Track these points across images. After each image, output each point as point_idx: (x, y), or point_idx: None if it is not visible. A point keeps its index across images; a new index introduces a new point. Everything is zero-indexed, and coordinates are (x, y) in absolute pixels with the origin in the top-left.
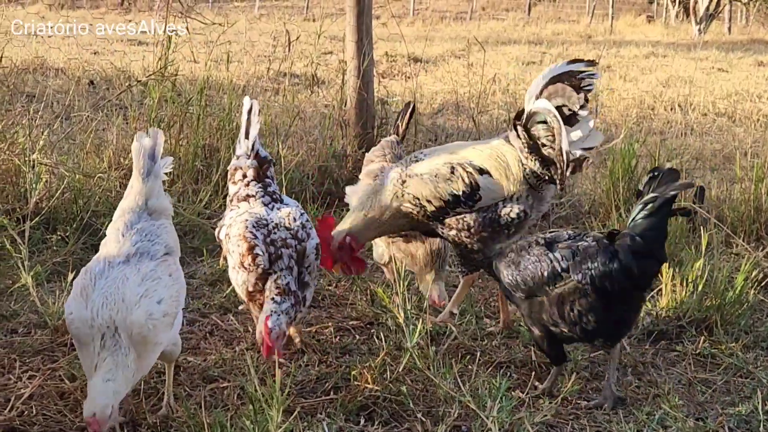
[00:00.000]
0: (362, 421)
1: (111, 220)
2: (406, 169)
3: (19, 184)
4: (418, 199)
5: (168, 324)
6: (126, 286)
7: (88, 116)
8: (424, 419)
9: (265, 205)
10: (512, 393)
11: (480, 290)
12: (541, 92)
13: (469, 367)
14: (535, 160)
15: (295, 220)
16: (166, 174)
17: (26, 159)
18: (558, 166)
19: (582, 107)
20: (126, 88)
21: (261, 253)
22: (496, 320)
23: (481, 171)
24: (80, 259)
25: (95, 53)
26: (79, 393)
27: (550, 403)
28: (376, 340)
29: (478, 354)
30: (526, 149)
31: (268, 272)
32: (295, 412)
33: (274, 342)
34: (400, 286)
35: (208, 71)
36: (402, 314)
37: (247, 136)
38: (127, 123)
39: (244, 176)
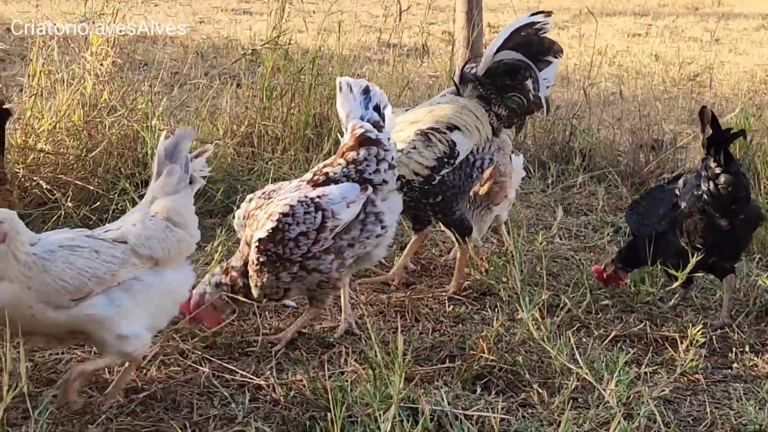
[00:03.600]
0: (479, 390)
1: (225, 186)
2: None
3: (137, 150)
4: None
5: (45, 286)
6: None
7: (204, 84)
8: (540, 390)
9: None
10: (629, 367)
11: (592, 263)
12: (505, 43)
13: (584, 339)
14: (500, 106)
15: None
16: (203, 178)
17: (146, 125)
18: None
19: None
20: (241, 56)
21: None
22: (609, 293)
23: (451, 128)
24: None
25: (201, 22)
26: (198, 352)
27: (669, 378)
28: (489, 311)
29: (592, 326)
30: (494, 95)
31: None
32: (416, 379)
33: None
34: (517, 256)
35: (320, 41)
36: (519, 285)
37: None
38: (240, 90)
39: None
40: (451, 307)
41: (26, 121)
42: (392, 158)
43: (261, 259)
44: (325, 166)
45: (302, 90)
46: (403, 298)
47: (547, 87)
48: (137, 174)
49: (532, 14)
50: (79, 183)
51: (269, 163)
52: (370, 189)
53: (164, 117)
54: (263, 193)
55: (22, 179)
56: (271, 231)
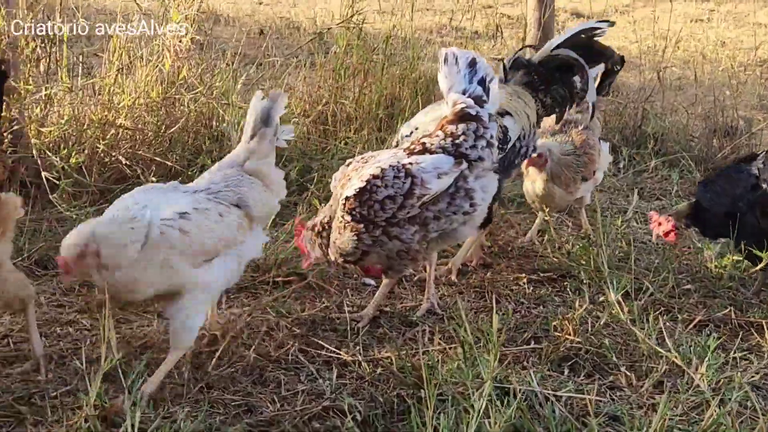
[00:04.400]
0: (566, 372)
1: (300, 165)
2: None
3: (212, 127)
4: None
5: (188, 248)
6: (170, 197)
7: (279, 62)
8: (628, 373)
9: None
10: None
11: (669, 247)
12: (565, 42)
13: (668, 324)
14: (546, 94)
15: None
16: (286, 142)
17: (224, 102)
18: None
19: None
20: (316, 35)
21: None
22: (691, 277)
23: (503, 113)
24: None
25: (260, 3)
26: (284, 329)
27: (759, 364)
28: (569, 293)
29: (676, 311)
30: (541, 85)
31: None
32: (508, 359)
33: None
34: (602, 238)
35: (392, 20)
36: (605, 267)
37: None
38: (314, 70)
39: None
40: (532, 288)
41: (107, 97)
42: (491, 136)
43: (345, 218)
44: (423, 137)
45: (374, 70)
46: (482, 279)
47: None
48: (214, 151)
49: (599, 21)
50: (158, 159)
51: (342, 142)
52: (465, 164)
53: (240, 95)
54: (362, 158)
55: (102, 154)
56: (358, 190)
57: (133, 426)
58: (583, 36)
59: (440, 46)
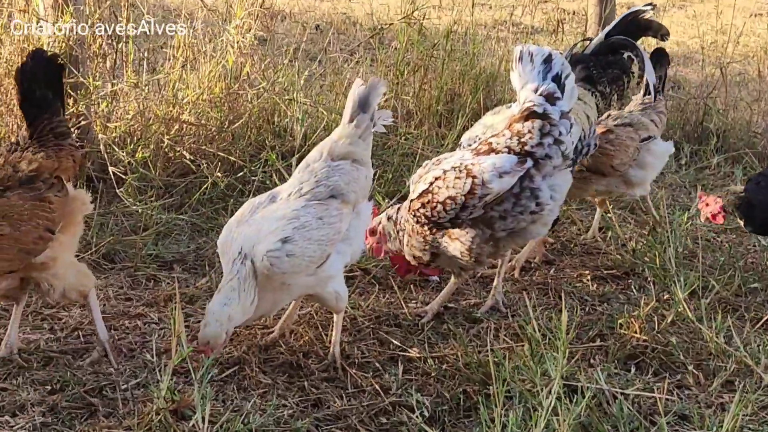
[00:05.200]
0: (633, 370)
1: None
2: None
3: (275, 123)
4: None
5: (299, 266)
6: (266, 221)
7: (340, 58)
8: (695, 372)
9: None
10: None
11: (734, 245)
12: (614, 29)
13: (735, 322)
14: (603, 83)
15: None
16: (384, 126)
17: (287, 98)
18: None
19: None
20: (378, 31)
21: None
22: (758, 276)
23: None
24: None
25: None
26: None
27: None
28: (634, 291)
29: (743, 309)
30: (598, 72)
31: None
32: (575, 357)
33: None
34: (672, 236)
35: (453, 16)
36: (673, 265)
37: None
38: (374, 66)
39: None
40: (596, 285)
41: (171, 92)
42: (559, 133)
43: (411, 220)
44: (491, 136)
45: (435, 66)
46: (545, 276)
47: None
48: (276, 147)
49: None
50: (221, 154)
51: (403, 137)
52: (530, 162)
53: (302, 91)
54: (436, 160)
55: (166, 149)
56: (422, 192)
57: (203, 419)
58: (630, 18)
59: (499, 41)
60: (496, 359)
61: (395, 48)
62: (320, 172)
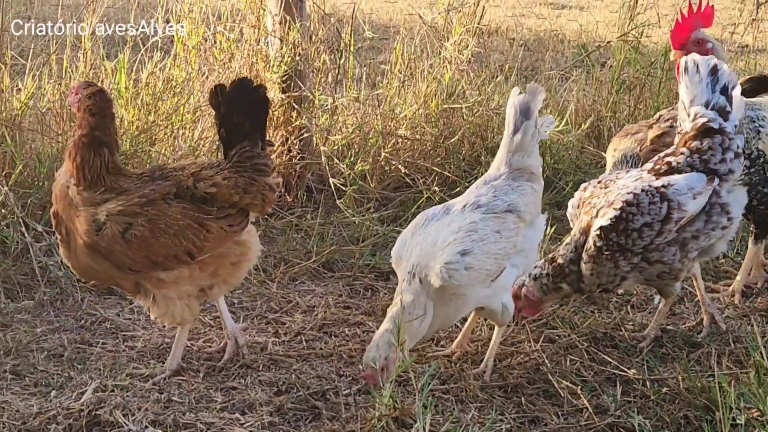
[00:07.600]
0: None
1: (575, 178)
2: None
3: (487, 139)
4: None
5: (476, 279)
6: (441, 233)
7: (554, 75)
8: None
9: None
10: None
11: None
12: None
13: None
14: None
15: None
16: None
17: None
18: None
19: None
20: (596, 48)
21: None
22: None
23: None
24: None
25: (522, 15)
26: (565, 341)
27: None
28: None
29: None
30: None
31: None
32: None
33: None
34: None
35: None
36: None
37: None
38: (588, 83)
39: None
40: None
41: (389, 107)
42: (737, 146)
43: (601, 248)
44: (666, 155)
45: (651, 84)
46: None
47: None
48: (489, 162)
49: None
50: (436, 168)
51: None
52: (717, 180)
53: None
54: (599, 182)
55: (383, 163)
56: (614, 219)
57: (424, 428)
58: None
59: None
60: (721, 384)
61: (610, 66)
62: (501, 188)
